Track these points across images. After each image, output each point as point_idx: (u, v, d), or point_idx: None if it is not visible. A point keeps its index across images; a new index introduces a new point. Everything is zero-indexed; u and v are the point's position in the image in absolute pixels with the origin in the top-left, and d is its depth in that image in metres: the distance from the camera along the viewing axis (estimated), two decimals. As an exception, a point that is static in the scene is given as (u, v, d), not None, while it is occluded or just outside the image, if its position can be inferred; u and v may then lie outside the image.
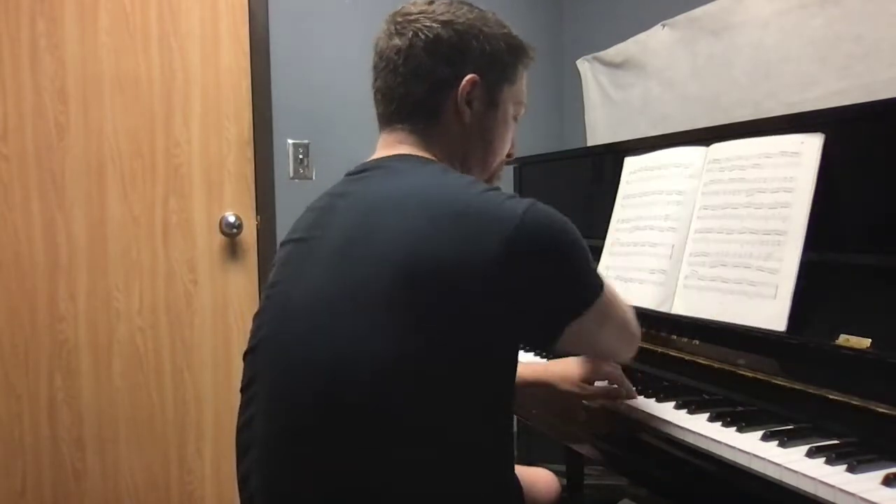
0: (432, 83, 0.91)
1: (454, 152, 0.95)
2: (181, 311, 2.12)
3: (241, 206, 2.16)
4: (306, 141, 2.30)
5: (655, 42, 2.16)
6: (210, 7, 2.10)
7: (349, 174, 0.95)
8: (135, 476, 2.08)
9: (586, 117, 2.53)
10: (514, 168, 2.10)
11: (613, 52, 2.36)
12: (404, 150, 0.93)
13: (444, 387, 0.81)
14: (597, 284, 0.88)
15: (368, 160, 0.95)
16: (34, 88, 1.96)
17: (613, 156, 1.67)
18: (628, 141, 1.69)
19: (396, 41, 0.91)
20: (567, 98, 2.71)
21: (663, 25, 2.13)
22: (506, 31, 0.97)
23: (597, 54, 2.45)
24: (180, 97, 2.09)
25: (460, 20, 0.91)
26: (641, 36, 2.22)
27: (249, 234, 2.17)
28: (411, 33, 0.90)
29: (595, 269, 0.90)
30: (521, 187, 2.08)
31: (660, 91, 2.16)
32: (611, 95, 2.41)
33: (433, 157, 0.93)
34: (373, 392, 0.80)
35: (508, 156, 1.04)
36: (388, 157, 0.93)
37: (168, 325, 2.11)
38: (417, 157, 0.92)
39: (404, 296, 0.79)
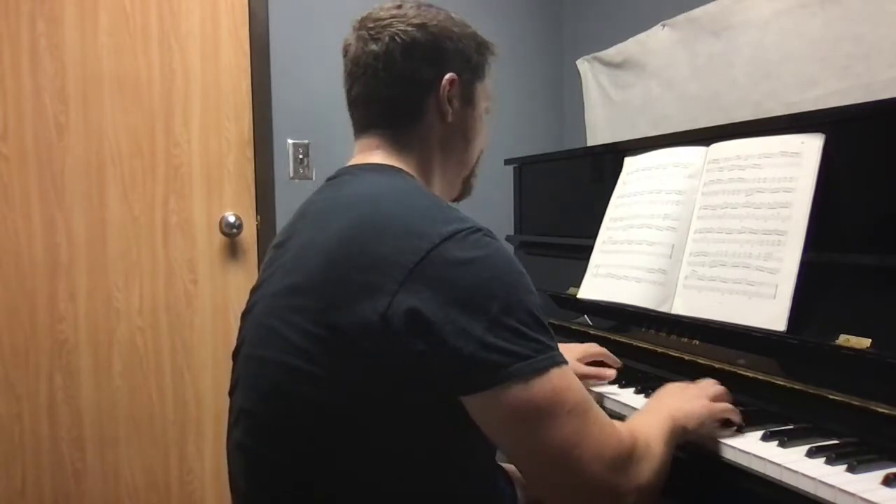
0: (414, 85, 0.92)
1: (433, 153, 0.96)
2: (181, 311, 2.12)
3: (241, 206, 2.16)
4: (306, 141, 2.30)
5: (655, 42, 2.16)
6: (210, 7, 2.10)
7: (328, 179, 0.96)
8: (135, 476, 2.08)
9: (586, 117, 2.53)
10: (514, 168, 2.10)
11: (613, 52, 2.36)
12: (378, 156, 0.93)
13: (352, 427, 0.78)
14: (514, 370, 0.73)
15: (345, 166, 0.95)
16: (34, 88, 1.96)
17: (613, 156, 1.67)
18: (628, 141, 1.69)
19: (373, 47, 0.91)
20: (567, 98, 2.71)
21: (663, 25, 2.12)
22: (471, 30, 0.98)
23: (597, 54, 2.45)
24: (180, 97, 2.09)
25: (433, 22, 0.92)
26: (641, 36, 2.22)
27: (249, 234, 2.18)
28: (387, 38, 0.90)
29: (538, 349, 0.74)
30: (521, 187, 2.08)
31: (660, 91, 2.16)
32: (611, 95, 2.41)
33: (407, 164, 0.93)
34: (288, 432, 0.81)
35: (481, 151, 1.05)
36: (360, 164, 0.93)
37: (168, 325, 2.11)
38: (387, 166, 0.92)
39: (312, 319, 0.78)
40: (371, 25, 0.92)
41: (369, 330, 0.74)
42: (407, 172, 0.92)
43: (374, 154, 0.94)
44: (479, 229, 0.79)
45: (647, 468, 0.80)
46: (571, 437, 0.74)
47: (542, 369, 0.74)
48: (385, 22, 0.91)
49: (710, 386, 1.03)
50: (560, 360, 0.76)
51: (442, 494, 0.82)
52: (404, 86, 0.92)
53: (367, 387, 0.76)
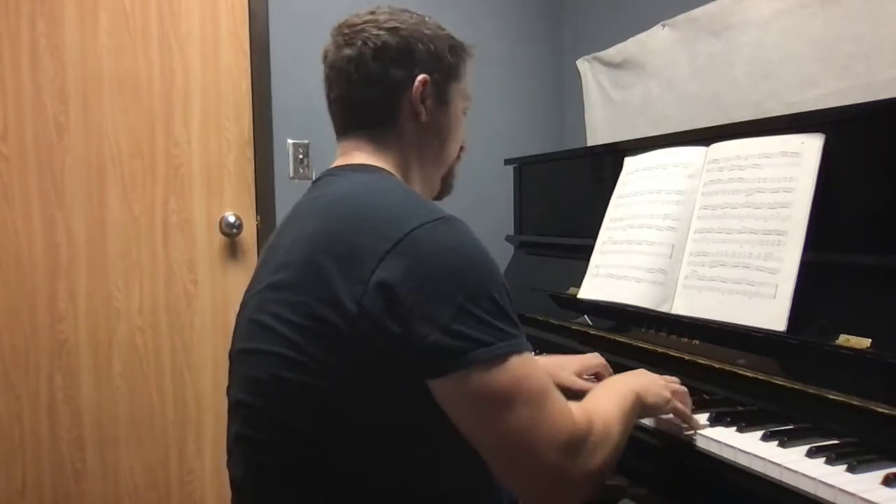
0: (386, 87, 0.95)
1: (410, 152, 0.98)
2: (181, 311, 2.12)
3: (241, 206, 2.16)
4: (306, 141, 2.30)
5: (655, 42, 2.16)
6: (210, 7, 2.10)
7: (313, 181, 0.99)
8: (135, 476, 2.08)
9: (586, 117, 2.53)
10: (514, 168, 2.10)
11: (613, 52, 2.36)
12: (360, 157, 0.96)
13: (343, 415, 0.80)
14: (476, 356, 0.75)
15: (329, 167, 0.98)
16: (34, 88, 1.95)
17: (613, 156, 1.68)
18: (628, 141, 1.69)
19: (347, 51, 0.94)
20: (567, 98, 2.71)
21: (663, 25, 2.12)
22: (445, 32, 1.00)
23: (597, 54, 2.45)
24: (180, 97, 2.09)
25: (404, 26, 0.95)
26: (641, 36, 2.22)
27: (249, 234, 2.18)
28: (360, 42, 0.94)
29: (500, 336, 0.77)
30: (521, 187, 2.09)
31: (660, 91, 2.16)
32: (611, 95, 2.41)
33: (386, 164, 0.96)
34: (274, 424, 0.84)
35: (461, 150, 1.07)
36: (342, 166, 0.97)
37: (168, 325, 2.11)
38: (368, 165, 0.95)
39: (292, 312, 0.82)
40: (346, 31, 0.96)
41: (349, 318, 0.76)
42: (387, 171, 0.95)
43: (355, 155, 0.97)
44: (451, 219, 0.82)
45: (602, 452, 0.81)
46: (526, 423, 0.76)
47: (502, 356, 0.76)
48: (358, 27, 0.95)
49: (672, 378, 1.08)
50: (521, 348, 0.79)
51: (434, 489, 0.85)
52: (377, 88, 0.94)
53: (355, 376, 0.78)
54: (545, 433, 0.77)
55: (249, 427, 0.87)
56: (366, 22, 0.95)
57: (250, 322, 0.89)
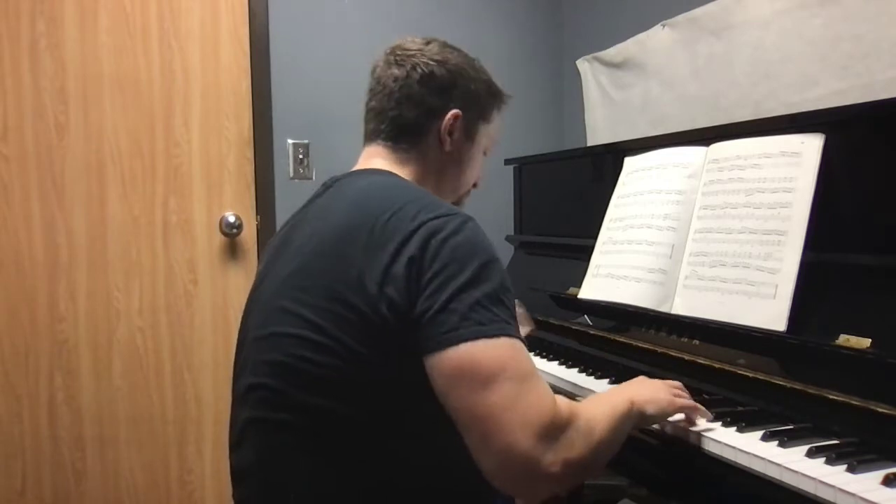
0: (422, 110, 1.03)
1: (429, 174, 1.06)
2: (181, 311, 2.12)
3: (241, 206, 2.16)
4: (306, 141, 2.30)
5: (655, 42, 2.16)
6: (210, 7, 2.10)
7: (326, 185, 1.04)
8: (135, 476, 2.08)
9: (586, 117, 2.53)
10: (514, 168, 2.10)
11: (613, 52, 2.36)
12: (380, 164, 1.04)
13: (358, 396, 0.85)
14: (466, 333, 0.79)
15: (349, 171, 1.04)
16: (34, 88, 1.96)
17: (613, 156, 1.68)
18: (628, 141, 1.69)
19: (395, 71, 1.04)
20: (567, 98, 2.71)
21: (663, 25, 2.12)
22: (487, 77, 1.11)
23: (597, 54, 2.45)
24: (180, 97, 2.09)
25: (451, 61, 1.05)
26: (641, 36, 2.22)
27: (249, 234, 2.18)
28: (410, 66, 1.03)
29: (493, 320, 0.80)
30: (521, 187, 2.09)
31: (660, 91, 2.16)
32: (611, 95, 2.40)
33: (405, 175, 1.02)
34: (290, 409, 0.88)
35: (474, 185, 1.15)
36: (363, 169, 1.04)
37: (168, 325, 2.11)
38: (386, 171, 1.02)
39: (315, 300, 0.87)
40: (399, 53, 1.05)
41: (370, 300, 0.82)
42: (404, 178, 1.02)
43: (376, 161, 1.04)
44: (466, 217, 0.88)
45: (581, 447, 0.80)
46: (504, 402, 0.77)
47: (493, 335, 0.80)
48: (411, 53, 1.04)
49: (674, 383, 1.07)
50: (512, 334, 0.81)
51: (437, 476, 0.89)
52: (413, 109, 1.03)
53: (372, 358, 0.83)
54: (521, 414, 0.76)
55: (265, 409, 0.90)
56: (419, 50, 1.04)
57: (268, 308, 0.93)
